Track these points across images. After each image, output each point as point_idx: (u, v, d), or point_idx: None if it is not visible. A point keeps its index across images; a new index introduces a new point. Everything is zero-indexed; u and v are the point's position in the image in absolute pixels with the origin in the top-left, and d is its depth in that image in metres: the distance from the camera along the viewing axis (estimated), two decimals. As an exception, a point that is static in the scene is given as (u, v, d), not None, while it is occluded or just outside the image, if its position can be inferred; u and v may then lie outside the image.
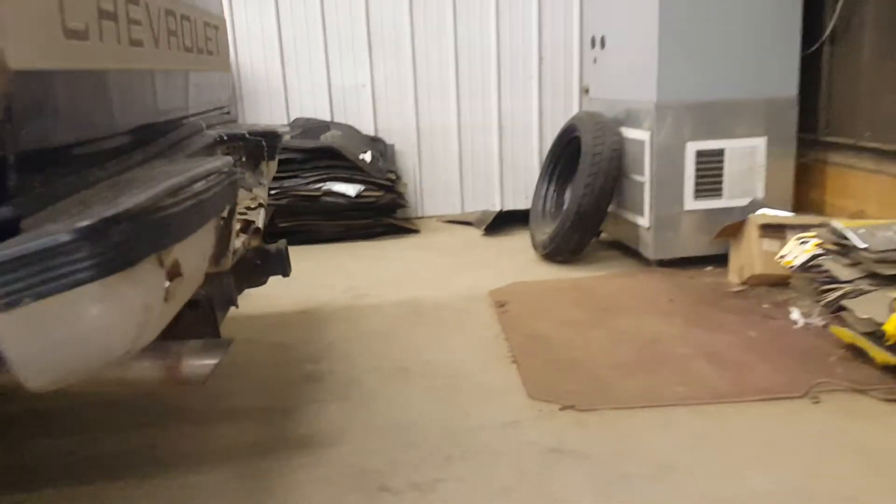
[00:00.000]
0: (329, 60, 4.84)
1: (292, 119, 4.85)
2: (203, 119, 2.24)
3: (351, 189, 4.50)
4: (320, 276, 3.74)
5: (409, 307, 3.26)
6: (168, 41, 1.86)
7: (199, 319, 1.64)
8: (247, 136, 2.25)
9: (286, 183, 4.40)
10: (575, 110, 4.92)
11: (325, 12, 4.77)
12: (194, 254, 1.34)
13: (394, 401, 2.34)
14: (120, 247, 1.03)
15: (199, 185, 1.31)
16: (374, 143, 4.91)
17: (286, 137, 4.27)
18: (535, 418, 2.17)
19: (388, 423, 2.19)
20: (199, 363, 1.50)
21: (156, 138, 1.75)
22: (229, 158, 1.61)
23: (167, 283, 1.18)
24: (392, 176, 4.72)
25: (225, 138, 2.16)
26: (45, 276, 0.98)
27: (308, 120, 4.81)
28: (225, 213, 1.52)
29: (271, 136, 2.42)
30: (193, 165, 1.42)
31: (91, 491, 1.90)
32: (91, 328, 1.05)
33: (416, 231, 4.75)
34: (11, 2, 1.07)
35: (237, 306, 1.97)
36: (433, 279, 3.68)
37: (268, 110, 4.77)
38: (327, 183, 4.50)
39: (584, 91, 4.80)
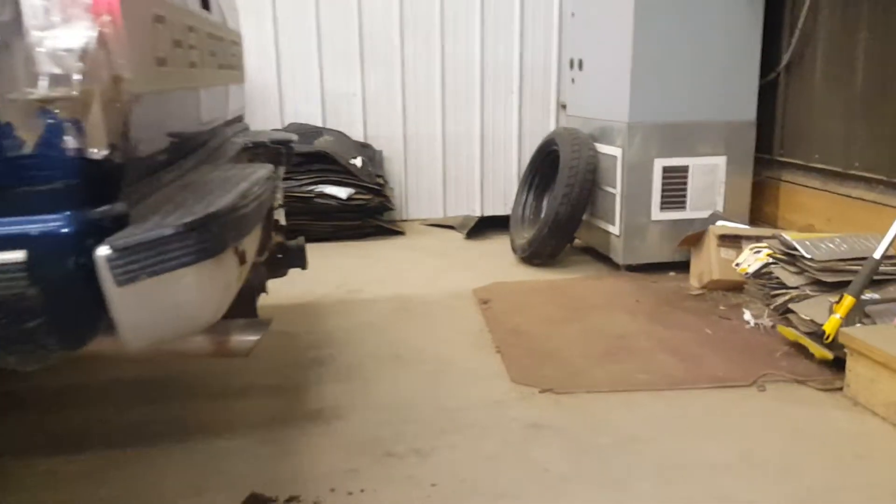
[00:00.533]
0: (323, 70, 5.11)
1: (287, 124, 5.11)
2: (230, 127, 2.52)
3: (342, 192, 4.77)
4: (314, 272, 3.96)
5: (399, 302, 3.55)
6: (210, 60, 2.13)
7: (241, 301, 1.91)
8: (268, 143, 2.52)
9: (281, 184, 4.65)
10: (552, 125, 5.26)
11: (321, 25, 5.04)
12: (252, 245, 1.62)
13: (391, 383, 2.62)
14: (214, 238, 1.31)
15: (258, 189, 1.59)
16: (364, 149, 5.19)
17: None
18: (517, 399, 2.48)
19: (388, 402, 2.48)
20: (243, 339, 1.77)
21: (202, 146, 2.02)
22: (271, 166, 1.90)
23: (239, 268, 1.46)
24: (380, 180, 5.00)
25: (251, 145, 2.44)
26: (158, 258, 1.26)
27: (302, 125, 5.07)
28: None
29: (286, 144, 2.69)
30: (251, 172, 1.71)
31: (127, 455, 2.15)
32: (188, 301, 1.32)
33: (401, 233, 5.04)
34: (127, 36, 1.34)
35: (267, 293, 2.24)
36: (420, 277, 3.97)
37: (263, 116, 5.02)
38: (320, 185, 4.77)
39: (562, 107, 5.14)
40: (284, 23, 5.02)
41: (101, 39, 1.16)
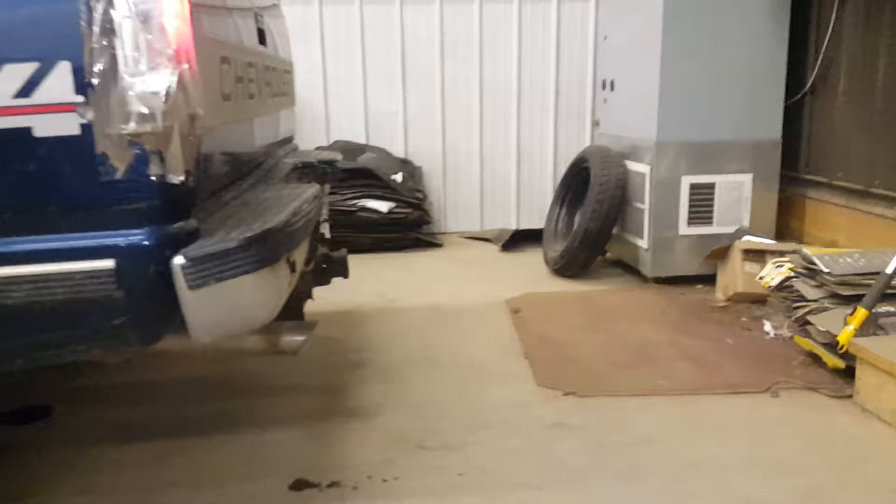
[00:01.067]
0: (367, 91, 5.38)
1: (332, 141, 5.38)
2: (281, 148, 2.77)
3: (383, 206, 5.02)
4: (355, 282, 4.20)
5: (434, 311, 3.75)
6: (266, 90, 2.38)
7: (291, 306, 2.14)
8: (315, 163, 2.76)
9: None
10: (586, 141, 5.43)
11: (366, 48, 5.31)
12: (300, 256, 1.85)
13: (425, 384, 2.83)
14: (270, 250, 1.54)
15: (306, 207, 1.82)
16: (405, 164, 5.43)
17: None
18: (542, 401, 2.66)
19: (421, 401, 2.68)
20: (292, 339, 2.00)
21: (258, 167, 2.27)
22: (318, 186, 2.13)
23: (290, 275, 1.69)
24: (419, 195, 5.23)
25: (300, 165, 2.68)
26: (223, 267, 1.49)
27: (346, 143, 5.34)
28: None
29: (331, 164, 2.93)
30: (301, 191, 1.94)
31: (188, 444, 2.39)
32: (247, 303, 1.56)
33: (439, 245, 5.25)
34: (200, 79, 1.58)
35: (313, 298, 2.47)
36: (455, 287, 4.18)
37: (311, 133, 5.30)
38: (362, 200, 5.02)
39: (595, 124, 5.30)
40: (332, 47, 5.30)
41: (181, 84, 1.40)
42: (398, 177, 5.15)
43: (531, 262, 4.72)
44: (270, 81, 2.48)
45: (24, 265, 1.41)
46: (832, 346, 2.81)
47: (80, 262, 1.41)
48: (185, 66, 1.41)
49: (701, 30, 3.86)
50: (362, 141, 5.42)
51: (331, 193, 4.97)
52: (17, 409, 2.54)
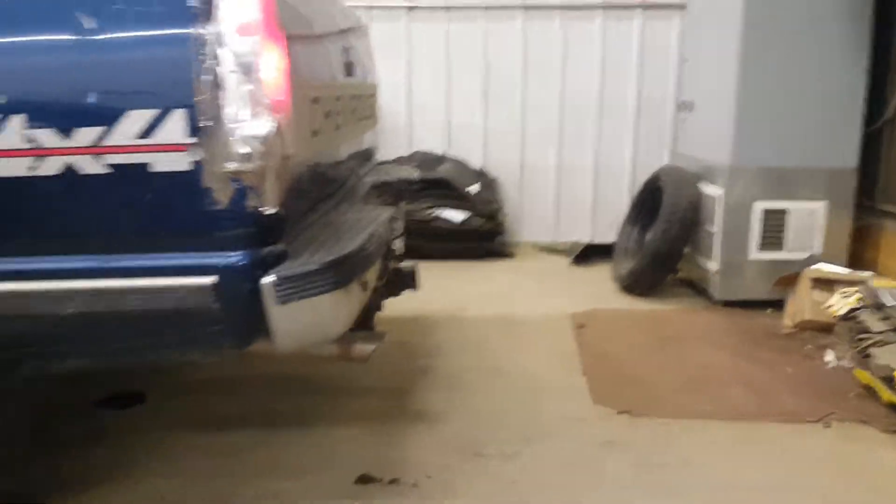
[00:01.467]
0: (448, 104, 5.59)
1: (412, 151, 5.62)
2: (362, 167, 2.99)
3: (458, 216, 5.21)
4: (427, 290, 4.42)
5: (501, 321, 3.92)
6: (350, 118, 2.61)
7: (362, 317, 2.36)
8: (395, 182, 2.98)
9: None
10: (663, 160, 5.46)
11: (450, 64, 5.52)
12: (372, 275, 2.06)
13: (486, 393, 3.00)
14: (345, 273, 1.75)
15: (381, 231, 2.03)
16: (481, 175, 5.60)
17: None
18: (596, 417, 2.80)
19: (482, 410, 2.86)
20: (363, 347, 2.21)
21: (340, 188, 2.49)
22: (393, 207, 2.34)
23: (362, 293, 1.90)
24: (494, 206, 5.40)
25: (380, 184, 2.90)
26: (306, 286, 1.71)
27: (425, 153, 5.56)
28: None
29: (409, 182, 3.15)
30: (377, 214, 2.16)
31: (266, 436, 2.64)
32: (324, 318, 1.78)
33: (511, 255, 5.41)
34: (294, 124, 1.80)
35: (382, 310, 2.69)
36: (523, 299, 4.33)
37: (392, 143, 5.54)
38: (437, 209, 5.24)
39: (672, 143, 5.33)
40: (417, 61, 5.53)
41: (278, 130, 1.62)
42: (474, 188, 5.33)
43: (600, 278, 4.81)
44: (356, 109, 2.70)
45: (140, 278, 1.67)
46: (889, 380, 2.83)
47: (187, 278, 1.66)
48: (283, 115, 1.63)
49: (779, 54, 3.87)
50: (441, 151, 5.63)
51: (407, 203, 5.22)
52: (115, 394, 2.86)
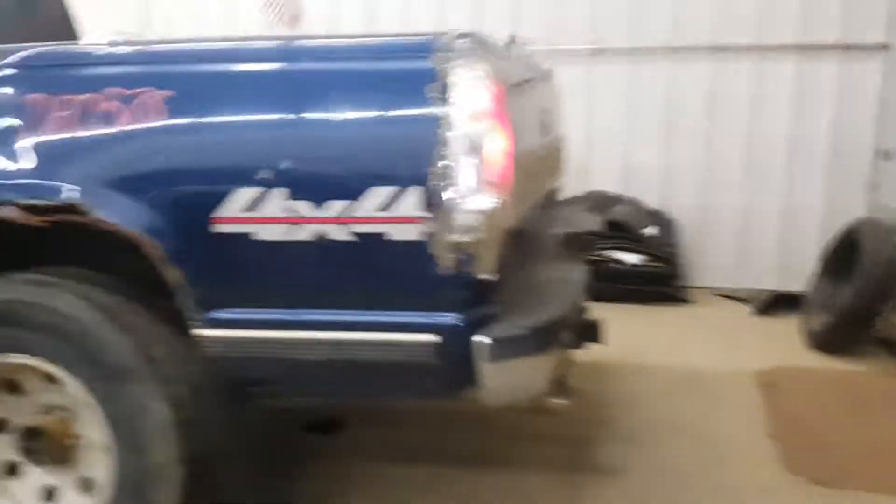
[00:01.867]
0: (627, 143, 5.60)
1: (588, 191, 5.66)
2: (550, 217, 3.09)
3: (632, 258, 5.20)
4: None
5: (679, 373, 3.86)
6: (545, 173, 2.74)
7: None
8: (580, 234, 3.07)
9: (579, 248, 5.21)
10: (858, 210, 5.11)
11: (630, 103, 5.53)
12: (569, 336, 2.17)
13: (667, 451, 2.99)
14: (550, 338, 1.87)
15: (579, 295, 2.14)
16: (657, 217, 5.54)
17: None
18: (787, 487, 2.70)
19: (663, 468, 2.85)
20: (556, 402, 2.30)
21: (537, 244, 2.62)
22: (585, 267, 2.44)
23: (561, 353, 2.00)
24: (670, 249, 5.32)
25: (565, 236, 3.00)
26: (514, 348, 1.84)
27: (601, 193, 5.58)
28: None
29: (593, 234, 3.22)
30: (573, 275, 2.27)
31: (448, 472, 2.79)
32: (528, 377, 1.90)
33: (687, 301, 5.29)
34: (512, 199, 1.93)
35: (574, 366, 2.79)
36: (702, 350, 4.22)
37: (570, 183, 5.62)
38: (612, 251, 5.25)
39: (869, 193, 5.00)
40: (597, 104, 5.59)
41: (498, 206, 1.78)
42: (650, 230, 5.29)
43: (786, 331, 4.59)
44: (549, 165, 2.83)
45: (372, 332, 1.88)
46: None
47: (413, 334, 1.85)
48: (504, 192, 1.79)
49: None
50: (617, 191, 5.63)
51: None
52: (322, 419, 3.13)
